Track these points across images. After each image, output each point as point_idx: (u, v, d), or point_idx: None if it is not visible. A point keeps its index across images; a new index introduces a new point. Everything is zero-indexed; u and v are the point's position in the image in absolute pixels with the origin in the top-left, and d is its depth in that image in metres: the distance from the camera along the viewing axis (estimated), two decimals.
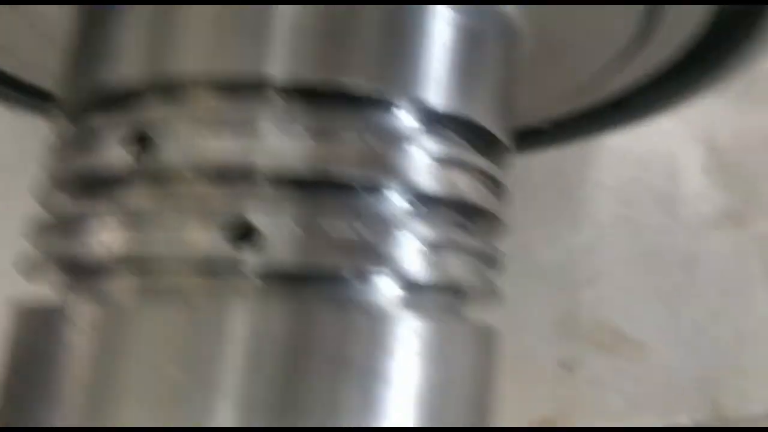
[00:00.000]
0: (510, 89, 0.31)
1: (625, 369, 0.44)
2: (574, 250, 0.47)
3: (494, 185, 0.30)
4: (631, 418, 0.43)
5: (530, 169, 0.48)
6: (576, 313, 0.45)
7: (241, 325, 0.23)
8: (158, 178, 0.25)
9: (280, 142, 0.25)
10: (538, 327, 0.45)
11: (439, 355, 0.25)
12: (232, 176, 0.25)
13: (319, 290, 0.25)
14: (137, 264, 0.25)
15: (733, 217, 0.48)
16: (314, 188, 0.25)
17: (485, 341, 0.28)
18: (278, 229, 0.24)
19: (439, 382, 0.25)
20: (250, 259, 0.24)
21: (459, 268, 0.27)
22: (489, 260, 0.29)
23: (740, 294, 0.46)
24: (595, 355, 0.44)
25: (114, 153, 0.25)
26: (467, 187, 0.28)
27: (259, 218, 0.24)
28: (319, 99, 0.25)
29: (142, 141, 0.25)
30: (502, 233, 0.31)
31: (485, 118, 0.29)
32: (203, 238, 0.24)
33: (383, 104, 0.26)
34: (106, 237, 0.25)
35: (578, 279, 0.46)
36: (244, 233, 0.24)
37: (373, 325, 0.24)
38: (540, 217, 0.48)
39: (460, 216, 0.28)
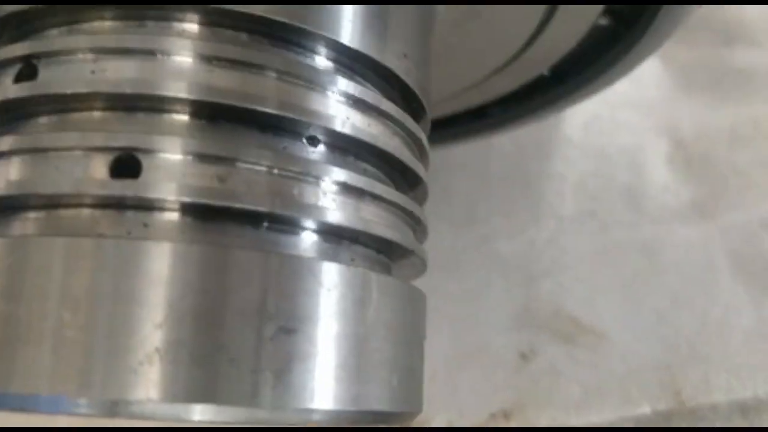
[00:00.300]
0: (426, 53, 0.30)
1: (583, 358, 0.42)
2: (535, 243, 0.45)
3: (414, 142, 0.29)
4: (590, 408, 0.40)
5: (490, 161, 0.47)
6: (535, 304, 0.43)
7: (156, 263, 0.21)
8: (54, 107, 0.24)
9: (191, 70, 0.24)
10: (497, 318, 0.43)
11: (357, 305, 0.24)
12: (137, 105, 0.24)
13: (236, 234, 0.23)
14: (39, 199, 0.23)
15: (698, 210, 0.47)
16: (230, 124, 0.24)
17: (408, 298, 0.26)
18: (190, 166, 0.23)
19: (358, 334, 0.24)
20: (157, 194, 0.22)
21: (377, 218, 0.26)
22: (410, 217, 0.28)
23: (704, 283, 0.45)
24: (553, 345, 0.42)
25: (5, 83, 0.24)
26: (386, 137, 0.27)
27: (165, 152, 0.23)
28: (236, 33, 0.25)
29: (34, 69, 0.24)
30: (424, 195, 0.29)
31: (404, 71, 0.28)
32: (103, 172, 0.23)
33: (300, 44, 0.26)
34: (5, 173, 0.24)
35: (538, 270, 0.45)
36: (147, 167, 0.23)
37: (290, 273, 0.23)
38: (501, 209, 0.46)
39: (379, 167, 0.27)
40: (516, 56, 0.36)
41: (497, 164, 0.47)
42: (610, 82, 0.37)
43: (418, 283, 0.27)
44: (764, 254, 0.46)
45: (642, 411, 0.40)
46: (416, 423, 0.40)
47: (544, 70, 0.38)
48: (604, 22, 0.35)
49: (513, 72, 0.38)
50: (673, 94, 0.50)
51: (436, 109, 0.41)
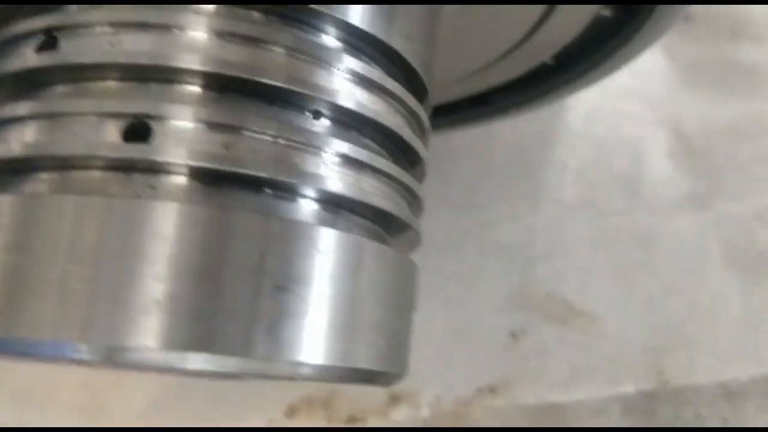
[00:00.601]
0: (433, 36, 0.32)
1: (573, 339, 0.43)
2: (533, 228, 0.47)
3: (416, 121, 0.30)
4: (576, 386, 0.42)
5: (492, 148, 0.48)
6: (529, 287, 0.45)
7: (161, 222, 0.23)
8: (72, 76, 0.25)
9: (204, 44, 0.25)
10: (491, 299, 0.44)
11: (351, 270, 0.25)
12: (151, 76, 0.25)
13: (239, 198, 0.25)
14: (53, 161, 0.25)
15: (695, 201, 0.48)
16: (239, 96, 0.25)
17: (400, 268, 0.28)
18: (198, 133, 0.24)
19: (350, 296, 0.25)
20: (166, 158, 0.24)
21: (377, 191, 0.27)
22: (407, 192, 0.29)
23: (696, 272, 0.46)
24: (544, 325, 0.43)
25: (27, 54, 0.26)
26: (388, 113, 0.28)
27: (175, 119, 0.24)
28: (249, 11, 0.26)
29: (54, 40, 0.25)
30: (422, 173, 0.30)
31: (409, 52, 0.29)
32: (115, 137, 0.24)
33: (310, 22, 0.27)
34: (21, 136, 0.25)
35: (535, 255, 0.46)
36: (157, 133, 0.24)
37: (288, 236, 0.24)
38: (502, 195, 0.47)
39: (380, 142, 0.29)
40: (519, 43, 0.37)
41: (499, 151, 0.48)
42: (611, 70, 0.38)
43: (417, 264, 0.29)
44: (756, 245, 0.47)
45: (626, 390, 0.42)
46: (406, 397, 0.42)
47: (547, 58, 0.39)
48: (607, 12, 0.36)
49: (516, 59, 0.39)
50: (677, 88, 0.51)
51: (439, 95, 0.42)
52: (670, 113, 0.51)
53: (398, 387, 0.41)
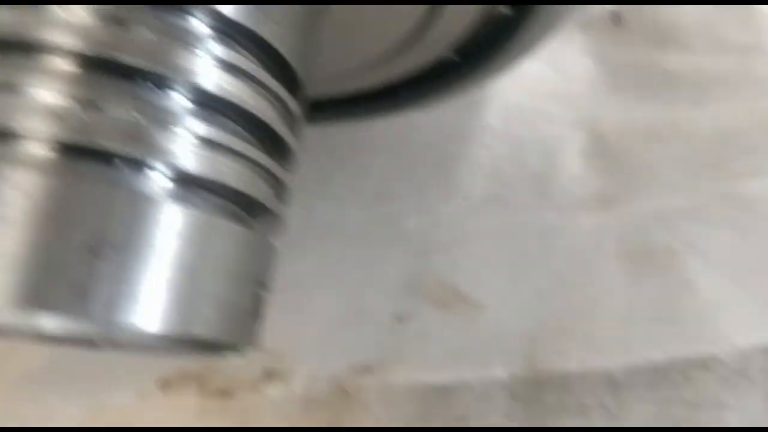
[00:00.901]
0: (312, 30, 0.33)
1: (455, 325, 0.44)
2: (440, 221, 0.48)
3: (284, 109, 0.31)
4: (449, 368, 0.43)
5: (410, 142, 0.49)
6: (423, 275, 0.46)
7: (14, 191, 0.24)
8: None
9: (64, 21, 0.26)
10: (384, 284, 0.46)
11: (194, 244, 0.26)
12: (11, 50, 0.26)
13: (88, 170, 0.26)
14: None
15: (601, 200, 0.49)
16: (97, 70, 0.27)
17: (249, 245, 0.29)
18: (49, 103, 0.26)
19: (189, 268, 0.26)
20: (23, 126, 0.25)
21: (233, 172, 0.29)
22: (270, 176, 0.30)
23: (589, 267, 0.47)
24: (430, 312, 0.45)
25: None
26: (251, 99, 0.29)
27: (35, 90, 0.26)
28: None
29: None
30: (292, 162, 0.32)
31: (281, 42, 0.30)
32: None
33: (180, 7, 0.28)
34: None
35: (436, 245, 0.47)
36: (19, 104, 0.25)
37: (135, 210, 0.26)
38: (413, 189, 0.49)
39: (244, 128, 0.30)
40: (415, 37, 0.38)
41: (416, 144, 0.50)
42: (511, 63, 0.39)
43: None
44: (649, 245, 0.48)
45: (498, 374, 0.43)
46: (279, 373, 0.43)
47: (448, 53, 0.40)
48: (501, 9, 0.37)
49: (417, 53, 0.40)
50: (600, 91, 0.52)
51: (344, 85, 0.44)
52: (590, 115, 0.52)
53: (272, 364, 0.42)
